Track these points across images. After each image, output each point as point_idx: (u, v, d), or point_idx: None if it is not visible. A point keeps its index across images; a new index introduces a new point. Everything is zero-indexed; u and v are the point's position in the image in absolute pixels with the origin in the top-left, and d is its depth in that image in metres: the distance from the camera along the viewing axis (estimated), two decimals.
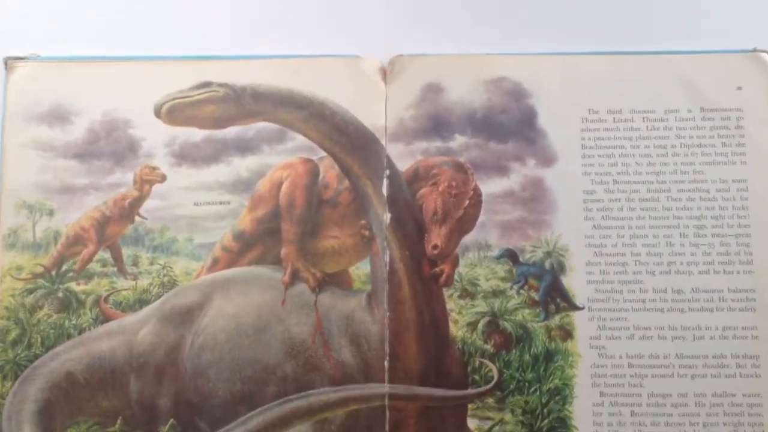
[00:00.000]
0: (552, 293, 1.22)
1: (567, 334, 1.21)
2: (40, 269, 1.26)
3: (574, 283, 1.22)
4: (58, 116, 1.28)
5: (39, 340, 1.23)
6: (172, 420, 1.20)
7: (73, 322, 1.25)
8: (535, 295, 1.23)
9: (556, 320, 1.22)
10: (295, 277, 1.24)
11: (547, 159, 1.25)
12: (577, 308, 1.22)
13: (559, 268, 1.23)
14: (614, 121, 1.25)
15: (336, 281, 1.26)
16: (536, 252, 1.23)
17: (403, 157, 1.25)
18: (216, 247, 1.27)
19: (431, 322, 1.21)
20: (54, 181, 1.27)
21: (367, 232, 1.24)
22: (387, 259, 1.21)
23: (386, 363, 1.18)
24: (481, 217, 1.23)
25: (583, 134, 1.25)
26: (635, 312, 1.20)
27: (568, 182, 1.24)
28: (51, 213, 1.27)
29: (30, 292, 1.25)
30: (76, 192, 1.27)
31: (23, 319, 1.24)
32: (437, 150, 1.26)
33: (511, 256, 1.23)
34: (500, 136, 1.26)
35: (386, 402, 1.18)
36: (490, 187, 1.24)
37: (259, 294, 1.23)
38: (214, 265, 1.27)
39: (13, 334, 1.23)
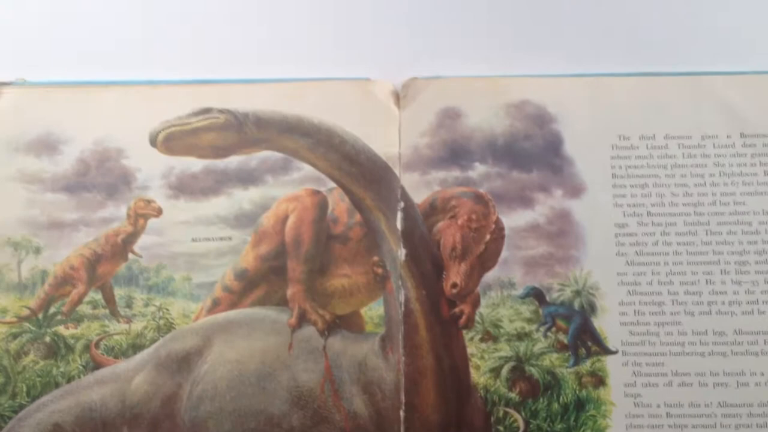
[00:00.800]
0: (582, 336, 1.20)
1: (599, 380, 1.18)
2: (25, 312, 1.23)
3: (606, 324, 1.19)
4: (47, 145, 1.26)
5: (24, 389, 1.20)
6: None
7: (62, 369, 1.21)
8: (564, 338, 1.20)
9: (586, 366, 1.18)
10: (302, 319, 1.21)
11: (575, 189, 1.22)
12: (609, 352, 1.18)
13: (590, 309, 1.20)
14: (647, 148, 1.23)
15: (347, 324, 1.23)
16: (564, 291, 1.20)
17: (419, 188, 1.22)
18: (216, 287, 1.25)
19: (451, 368, 1.17)
20: (41, 216, 1.24)
21: (380, 270, 1.20)
22: (402, 299, 1.17)
23: (402, 413, 1.15)
24: (504, 253, 1.20)
25: (613, 162, 1.23)
26: (673, 356, 1.16)
27: (598, 214, 1.21)
28: (38, 251, 1.24)
29: (15, 336, 1.22)
30: (65, 228, 1.25)
31: (7, 366, 1.20)
32: (455, 180, 1.23)
33: (536, 295, 1.20)
34: (524, 165, 1.23)
35: None
36: (513, 220, 1.22)
37: (264, 338, 1.20)
38: (215, 306, 1.25)
39: None
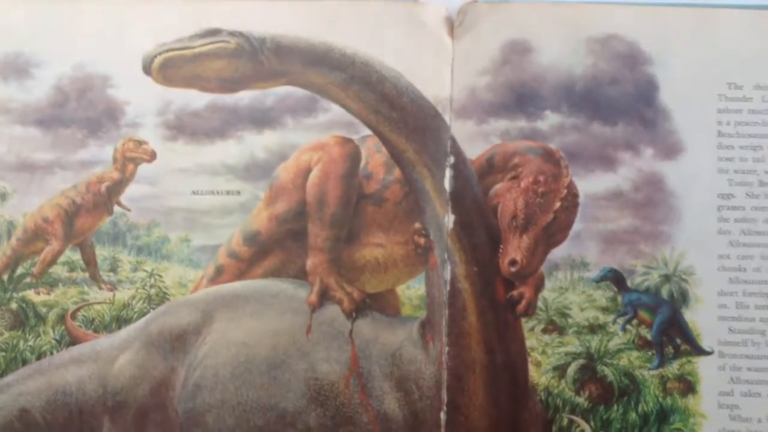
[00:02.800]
0: (670, 331, 1.15)
1: (688, 387, 1.13)
2: None
3: (701, 318, 1.13)
4: (15, 68, 1.20)
5: None
6: None
7: (30, 343, 1.18)
8: (647, 333, 1.16)
9: (673, 368, 1.14)
10: (325, 296, 1.16)
11: (670, 149, 1.16)
12: (703, 352, 1.14)
13: (681, 298, 1.15)
14: (763, 101, 1.15)
15: (379, 304, 1.19)
16: (650, 275, 1.15)
17: (474, 141, 1.16)
18: (221, 252, 1.21)
19: (505, 364, 1.11)
20: (8, 154, 1.19)
21: (422, 240, 1.14)
22: (448, 276, 1.12)
23: (443, 416, 1.09)
24: (577, 225, 1.14)
25: (720, 117, 1.16)
26: None
27: (697, 182, 1.15)
28: (3, 197, 1.20)
29: None
30: (37, 170, 1.20)
31: None
32: (520, 132, 1.17)
33: (615, 279, 1.16)
34: (607, 116, 1.17)
35: None
36: (590, 184, 1.16)
37: (277, 317, 1.14)
38: (218, 275, 1.21)
39: None
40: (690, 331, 1.14)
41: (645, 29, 1.17)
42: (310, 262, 1.17)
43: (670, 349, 1.14)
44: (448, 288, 1.11)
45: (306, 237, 1.18)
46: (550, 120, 1.17)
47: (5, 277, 1.19)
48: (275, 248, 1.21)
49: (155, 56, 1.10)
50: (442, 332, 1.11)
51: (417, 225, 1.14)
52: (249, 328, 1.14)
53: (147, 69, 1.10)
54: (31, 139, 1.19)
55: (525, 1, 1.17)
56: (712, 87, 1.16)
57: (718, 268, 1.12)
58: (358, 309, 1.15)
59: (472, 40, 1.17)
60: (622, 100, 1.17)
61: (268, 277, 1.20)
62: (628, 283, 1.15)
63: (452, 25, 1.18)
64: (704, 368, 1.12)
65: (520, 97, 1.18)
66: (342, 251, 1.18)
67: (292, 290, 1.17)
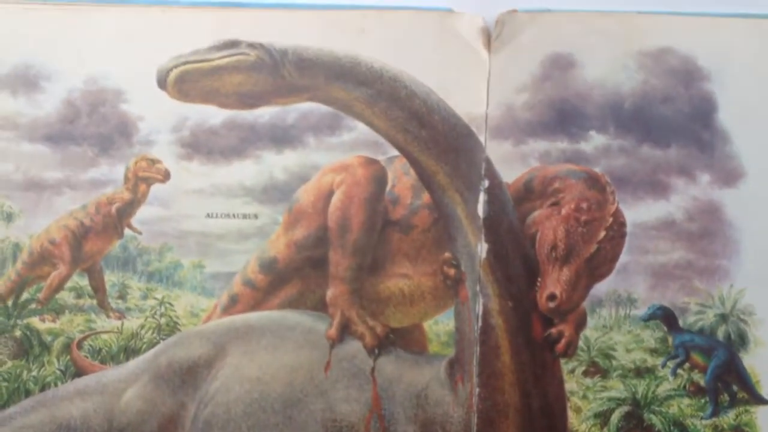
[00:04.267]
0: (726, 377, 1.14)
1: None
2: None
3: (761, 364, 1.12)
4: (25, 81, 1.21)
5: None
6: None
7: (34, 373, 1.19)
8: (701, 379, 1.15)
9: (729, 418, 1.13)
10: (345, 330, 1.15)
11: (729, 175, 1.15)
12: (763, 401, 1.12)
13: (739, 341, 1.14)
14: None
15: (404, 340, 1.18)
16: (705, 314, 1.14)
17: (511, 163, 1.16)
18: (235, 280, 1.22)
19: (541, 409, 1.10)
20: (15, 173, 1.21)
21: (452, 271, 1.13)
22: (480, 311, 1.10)
23: None
24: (623, 258, 1.12)
25: None
26: None
27: (759, 211, 1.13)
28: (9, 217, 1.22)
29: None
30: (45, 189, 1.21)
31: None
32: (562, 154, 1.17)
33: (665, 317, 1.15)
34: (659, 138, 1.16)
35: None
36: (639, 213, 1.15)
37: (294, 352, 1.14)
38: (232, 305, 1.21)
39: None
40: (749, 377, 1.12)
41: (702, 42, 1.16)
42: (330, 293, 1.16)
43: (725, 397, 1.13)
44: (480, 324, 1.10)
45: (326, 265, 1.17)
46: (594, 141, 1.17)
47: (9, 302, 1.21)
48: (294, 277, 1.20)
49: (171, 69, 1.10)
50: (473, 372, 1.10)
51: (447, 255, 1.13)
52: (264, 362, 1.13)
53: (162, 83, 1.11)
54: (40, 156, 1.20)
55: (569, 11, 1.16)
56: None
57: None
58: (381, 345, 1.14)
59: (510, 53, 1.16)
60: (675, 120, 1.16)
61: (286, 308, 1.20)
62: (680, 322, 1.14)
63: (489, 37, 1.17)
64: (763, 419, 1.11)
65: (562, 116, 1.17)
66: (365, 282, 1.18)
67: (311, 323, 1.16)
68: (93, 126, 1.21)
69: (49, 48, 1.21)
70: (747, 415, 1.12)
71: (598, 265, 1.10)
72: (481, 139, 1.14)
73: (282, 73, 1.11)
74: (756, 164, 1.14)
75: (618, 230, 1.10)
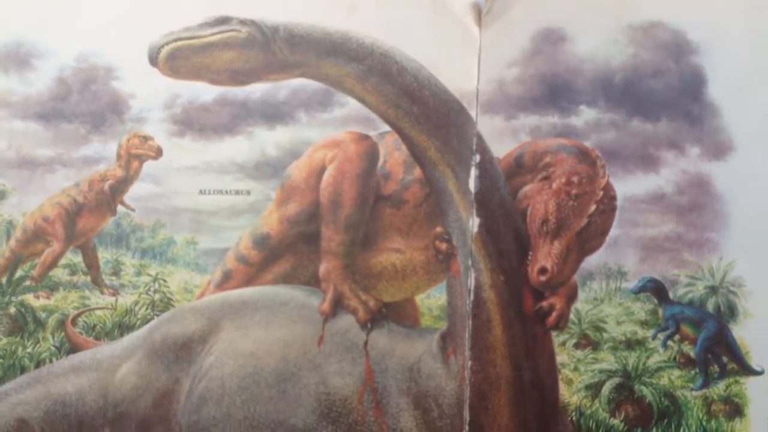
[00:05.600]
0: (716, 348, 1.16)
1: (735, 409, 1.14)
2: None
3: (751, 335, 1.14)
4: (16, 59, 1.23)
5: None
6: None
7: (29, 349, 1.22)
8: (691, 350, 1.17)
9: (719, 388, 1.15)
10: (338, 305, 1.18)
11: (719, 148, 1.16)
12: (752, 372, 1.14)
13: (729, 312, 1.16)
14: None
15: (397, 314, 1.20)
16: (695, 286, 1.16)
17: (502, 138, 1.18)
18: (229, 256, 1.24)
19: (533, 381, 1.12)
20: (7, 150, 1.23)
21: (444, 245, 1.15)
22: (471, 284, 1.13)
23: None
24: (614, 231, 1.14)
25: None
26: None
27: (748, 184, 1.15)
28: (2, 195, 1.24)
29: None
30: (38, 167, 1.24)
31: None
32: (552, 129, 1.18)
33: (656, 290, 1.16)
34: (649, 112, 1.17)
35: None
36: (629, 186, 1.17)
37: (287, 327, 1.16)
38: (226, 281, 1.23)
39: None
40: (738, 348, 1.14)
41: (692, 16, 1.17)
42: (323, 268, 1.18)
43: (715, 368, 1.15)
44: (472, 297, 1.12)
45: (319, 241, 1.19)
46: (585, 116, 1.18)
47: (4, 280, 1.23)
48: (286, 252, 1.22)
49: (162, 46, 1.12)
50: (465, 345, 1.11)
51: (438, 229, 1.15)
52: (257, 337, 1.15)
53: (153, 60, 1.12)
54: (32, 134, 1.22)
55: None
56: (766, 80, 1.16)
57: None
58: (374, 319, 1.16)
59: (500, 28, 1.18)
60: (665, 94, 1.18)
61: (279, 283, 1.22)
62: (670, 294, 1.16)
63: (479, 12, 1.18)
64: (753, 389, 1.13)
65: (552, 91, 1.19)
66: (357, 256, 1.19)
67: (304, 298, 1.18)
68: (85, 103, 1.23)
69: (40, 26, 1.24)
70: (737, 386, 1.14)
71: (589, 239, 1.11)
72: (472, 114, 1.15)
73: (273, 50, 1.12)
74: (745, 137, 1.15)
75: (608, 204, 1.12)
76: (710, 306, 1.17)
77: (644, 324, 1.18)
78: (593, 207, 1.11)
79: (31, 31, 1.23)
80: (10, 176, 1.23)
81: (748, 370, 1.14)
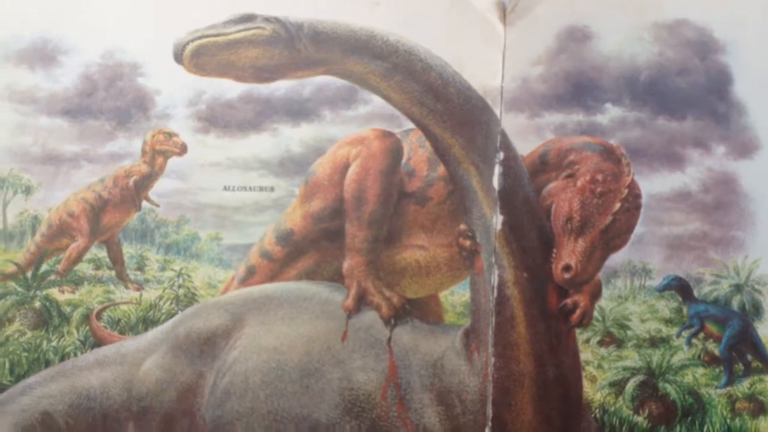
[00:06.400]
0: (740, 347, 1.17)
1: (760, 407, 1.15)
2: (11, 268, 1.27)
3: None
4: (43, 55, 1.25)
5: (6, 365, 1.23)
6: None
7: (54, 343, 1.24)
8: (715, 349, 1.18)
9: (744, 387, 1.16)
10: (362, 301, 1.19)
11: (745, 147, 1.17)
12: None
13: (754, 311, 1.17)
14: None
15: (420, 311, 1.22)
16: (720, 284, 1.17)
17: (526, 135, 1.19)
18: (253, 252, 1.26)
19: (556, 378, 1.13)
20: (33, 146, 1.26)
21: (467, 242, 1.16)
22: (495, 281, 1.14)
23: None
24: (639, 229, 1.15)
25: None
26: None
27: None
28: (28, 190, 1.26)
29: None
30: (64, 163, 1.26)
31: None
32: (577, 127, 1.20)
33: (681, 288, 1.18)
34: (674, 110, 1.18)
35: None
36: (654, 185, 1.18)
37: (311, 322, 1.18)
38: (250, 276, 1.25)
39: None
40: (763, 346, 1.16)
41: (718, 14, 1.18)
42: (346, 264, 1.20)
43: (740, 366, 1.16)
44: (496, 294, 1.13)
45: (343, 237, 1.21)
46: (610, 114, 1.19)
47: (29, 274, 1.25)
48: (310, 248, 1.24)
49: (187, 43, 1.14)
50: (488, 342, 1.13)
51: (462, 226, 1.16)
52: (281, 333, 1.17)
53: (178, 57, 1.14)
54: (58, 130, 1.25)
55: None
56: None
57: None
58: (398, 315, 1.17)
59: (525, 26, 1.19)
60: (691, 92, 1.19)
61: (302, 279, 1.24)
62: (695, 293, 1.18)
63: (504, 10, 1.19)
64: None
65: (577, 89, 1.20)
66: (381, 253, 1.21)
67: (328, 294, 1.20)
68: (110, 100, 1.25)
69: (66, 23, 1.26)
70: (761, 384, 1.15)
71: (614, 237, 1.12)
72: (497, 111, 1.17)
73: (298, 47, 1.14)
74: None
75: (633, 202, 1.13)
76: (735, 304, 1.18)
77: (668, 322, 1.19)
78: (618, 205, 1.12)
79: (57, 27, 1.25)
80: (35, 172, 1.26)
81: None
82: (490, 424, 1.12)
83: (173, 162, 1.26)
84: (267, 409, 1.15)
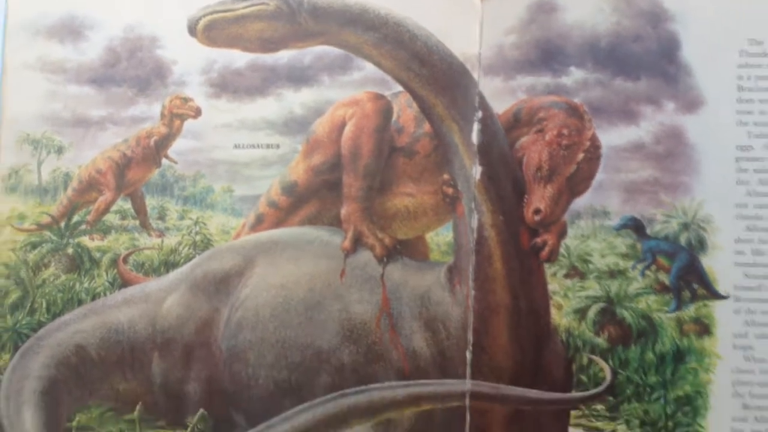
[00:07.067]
0: (687, 277, 1.23)
1: (704, 329, 1.21)
2: (46, 219, 1.31)
3: (718, 264, 1.22)
4: (71, 30, 1.31)
5: (44, 304, 1.28)
6: (201, 410, 1.24)
7: (85, 285, 1.29)
8: (666, 279, 1.24)
9: (690, 311, 1.22)
10: (358, 242, 1.26)
11: (691, 103, 1.24)
12: (719, 297, 1.21)
13: (699, 245, 1.23)
14: None
15: (409, 250, 1.28)
16: (669, 223, 1.23)
17: (501, 96, 1.25)
18: (261, 202, 1.31)
19: (528, 307, 1.20)
20: (64, 111, 1.31)
21: (450, 190, 1.23)
22: (475, 224, 1.20)
23: (468, 355, 1.19)
24: (599, 176, 1.22)
25: (740, 71, 1.23)
26: None
27: (717, 134, 1.23)
28: (60, 150, 1.31)
29: (34, 246, 1.31)
30: (91, 125, 1.31)
31: (25, 279, 1.29)
32: (545, 88, 1.26)
33: (635, 227, 1.24)
34: (630, 72, 1.25)
35: (467, 402, 1.19)
36: (612, 137, 1.24)
37: (313, 262, 1.25)
38: (258, 223, 1.31)
39: (13, 297, 1.29)
40: (707, 276, 1.21)
41: None
42: (344, 211, 1.27)
43: (687, 294, 1.22)
44: (475, 236, 1.19)
45: (340, 187, 1.27)
46: (574, 76, 1.25)
47: (62, 224, 1.31)
48: (312, 198, 1.31)
49: (200, 18, 1.21)
50: (469, 277, 1.19)
51: (446, 176, 1.23)
52: (287, 271, 1.24)
53: (192, 30, 1.22)
54: (86, 96, 1.30)
55: None
56: (734, 43, 1.23)
57: (735, 216, 1.21)
58: (389, 254, 1.25)
59: (500, 0, 1.24)
60: (644, 56, 1.25)
61: (305, 225, 1.31)
62: (648, 231, 1.23)
63: None
64: (720, 312, 1.20)
65: (545, 54, 1.25)
66: (374, 200, 1.27)
67: (328, 237, 1.27)
68: (132, 69, 1.31)
69: (91, 1, 1.31)
70: (705, 308, 1.21)
71: (577, 183, 1.21)
72: (475, 75, 1.23)
73: (298, 21, 1.20)
74: (714, 94, 1.23)
75: (594, 152, 1.21)
76: (683, 240, 1.23)
77: (625, 256, 1.24)
78: (581, 155, 1.20)
79: (83, 5, 1.31)
80: (66, 134, 1.30)
81: (715, 295, 1.21)
82: (470, 347, 1.19)
83: (189, 124, 1.30)
84: (275, 339, 1.22)
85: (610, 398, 1.21)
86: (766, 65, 1.23)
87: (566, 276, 1.25)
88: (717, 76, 1.24)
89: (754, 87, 1.22)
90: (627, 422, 1.20)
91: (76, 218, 1.32)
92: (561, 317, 1.23)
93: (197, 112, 1.30)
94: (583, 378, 1.21)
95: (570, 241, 1.24)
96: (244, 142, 1.29)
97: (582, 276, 1.25)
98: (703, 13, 1.25)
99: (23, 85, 1.29)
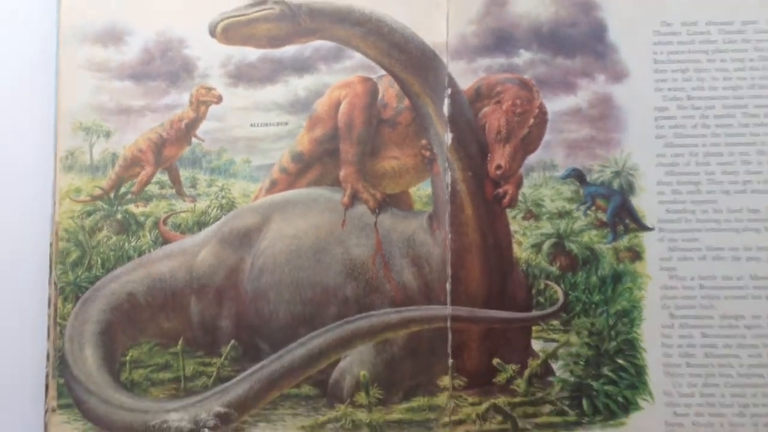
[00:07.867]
0: (621, 214, 1.31)
1: (636, 255, 1.30)
2: (98, 191, 1.40)
3: (644, 203, 1.31)
4: (112, 36, 1.40)
5: (99, 261, 1.37)
6: (233, 341, 1.34)
7: (133, 244, 1.38)
8: (603, 216, 1.32)
9: (624, 242, 1.31)
10: (354, 198, 1.35)
11: (617, 74, 1.33)
12: (647, 229, 1.30)
13: (629, 188, 1.31)
14: (688, 34, 1.34)
15: (396, 202, 1.37)
16: (604, 172, 1.32)
17: (465, 75, 1.34)
18: (274, 169, 1.39)
19: (494, 244, 1.31)
20: (110, 102, 1.39)
21: (428, 153, 1.34)
22: (449, 180, 1.30)
23: (448, 285, 1.29)
24: (547, 136, 1.32)
25: (655, 48, 1.33)
26: (708, 232, 1.29)
27: (638, 99, 1.32)
28: (108, 135, 1.39)
29: (89, 214, 1.39)
30: (132, 113, 1.39)
31: (83, 241, 1.38)
32: (501, 67, 1.34)
33: (577, 176, 1.33)
34: (568, 51, 1.34)
35: (448, 324, 1.28)
36: (556, 104, 1.33)
37: (319, 215, 1.35)
38: (273, 187, 1.39)
39: (74, 256, 1.38)
40: (636, 213, 1.30)
41: None
42: (342, 173, 1.36)
43: (621, 228, 1.31)
44: (449, 189, 1.30)
45: (338, 154, 1.36)
46: (523, 57, 1.34)
47: (111, 195, 1.40)
48: (315, 164, 1.39)
49: (218, 23, 1.32)
50: (446, 222, 1.30)
51: (424, 141, 1.33)
52: (298, 224, 1.34)
53: (212, 32, 1.32)
54: (127, 90, 1.39)
55: None
56: (649, 25, 1.33)
57: (656, 164, 1.30)
58: (380, 206, 1.34)
59: None
60: (578, 38, 1.33)
61: (311, 186, 1.39)
62: (588, 178, 1.32)
63: None
64: (648, 241, 1.29)
65: (499, 40, 1.34)
66: (366, 163, 1.36)
67: (330, 195, 1.37)
68: (164, 66, 1.39)
69: (129, 10, 1.39)
70: (636, 239, 1.30)
71: (530, 143, 1.31)
72: (444, 59, 1.32)
73: (299, 21, 1.31)
74: (635, 66, 1.32)
75: (542, 117, 1.32)
76: (615, 185, 1.31)
77: (570, 200, 1.32)
78: (532, 120, 1.30)
79: (123, 15, 1.39)
80: (112, 121, 1.38)
81: (643, 228, 1.30)
82: (449, 279, 1.29)
83: (213, 108, 1.38)
84: (290, 279, 1.32)
85: (564, 315, 1.29)
86: (676, 42, 1.33)
87: (524, 218, 1.32)
88: (637, 52, 1.32)
89: (666, 60, 1.32)
90: (578, 333, 1.29)
91: (122, 189, 1.39)
92: (521, 251, 1.31)
93: (219, 99, 1.37)
94: (541, 300, 1.31)
95: (526, 189, 1.32)
96: (258, 121, 1.36)
97: (536, 217, 1.32)
98: (623, 2, 1.33)
99: (75, 83, 1.38)
